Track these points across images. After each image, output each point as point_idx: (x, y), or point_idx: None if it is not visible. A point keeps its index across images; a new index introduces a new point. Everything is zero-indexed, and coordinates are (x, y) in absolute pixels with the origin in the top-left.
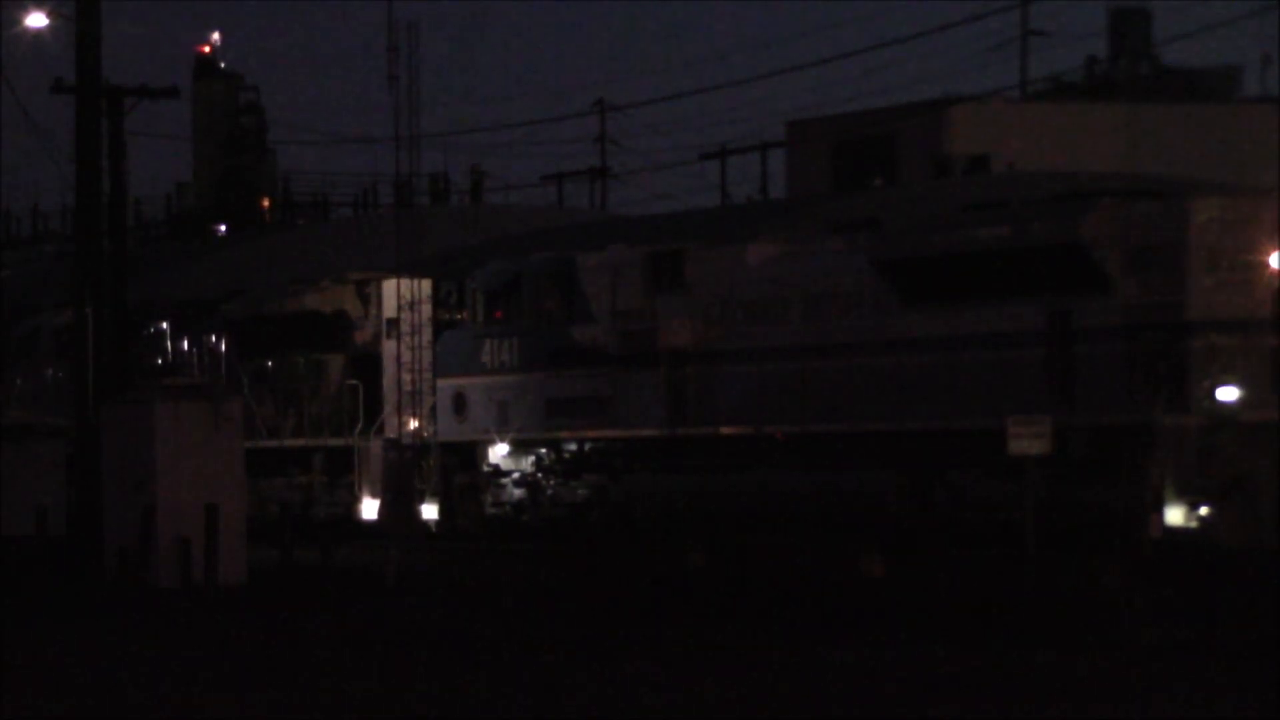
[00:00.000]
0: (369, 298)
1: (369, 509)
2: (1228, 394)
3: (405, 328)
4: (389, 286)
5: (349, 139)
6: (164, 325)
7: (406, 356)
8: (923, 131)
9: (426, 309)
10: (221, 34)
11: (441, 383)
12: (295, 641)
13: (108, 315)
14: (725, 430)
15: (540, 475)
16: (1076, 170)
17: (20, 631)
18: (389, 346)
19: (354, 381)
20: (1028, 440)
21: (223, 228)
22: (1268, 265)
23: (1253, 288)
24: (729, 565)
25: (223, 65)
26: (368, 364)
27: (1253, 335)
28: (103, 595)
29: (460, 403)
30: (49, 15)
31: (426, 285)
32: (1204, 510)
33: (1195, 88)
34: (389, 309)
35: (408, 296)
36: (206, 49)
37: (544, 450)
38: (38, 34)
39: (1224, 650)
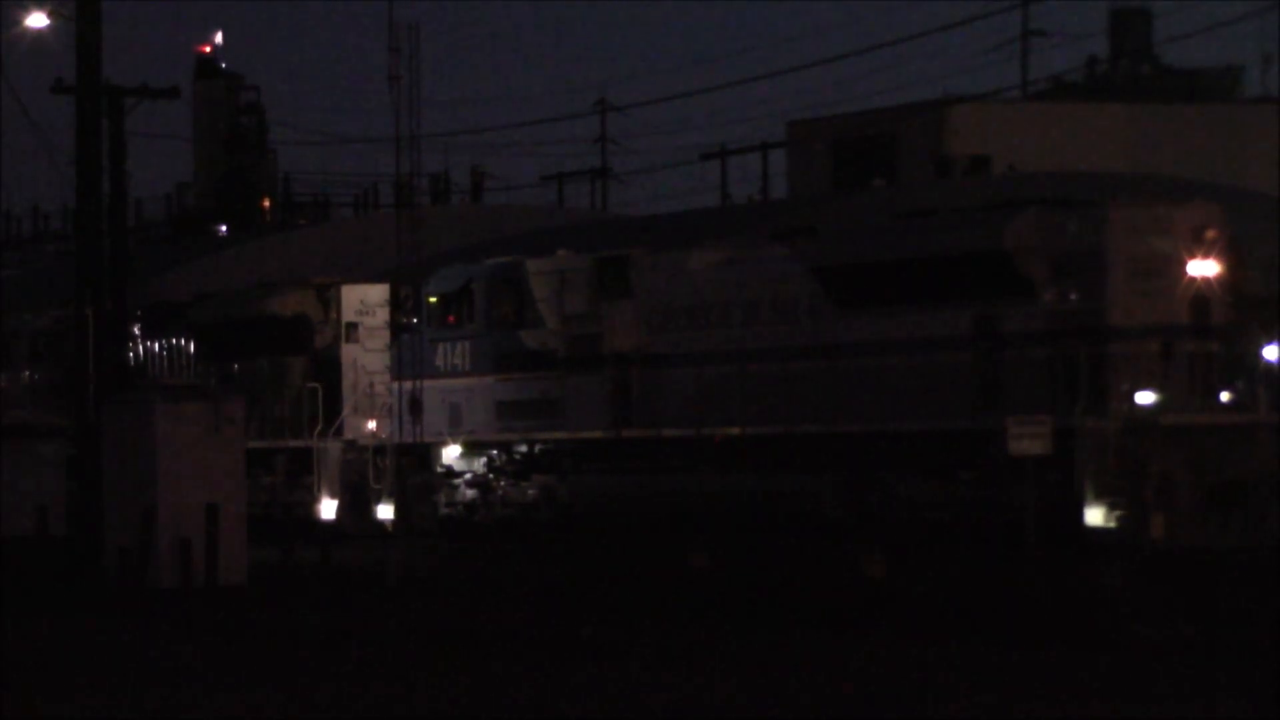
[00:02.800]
0: (329, 302)
1: (327, 509)
2: (1146, 398)
3: (363, 332)
4: (348, 291)
5: (349, 139)
6: (135, 328)
7: (364, 360)
8: (923, 131)
9: (384, 313)
10: (222, 34)
11: (396, 385)
12: (295, 641)
13: (107, 315)
14: (667, 432)
15: (491, 476)
16: (1076, 170)
17: (20, 632)
18: (348, 350)
19: (313, 384)
20: (1027, 440)
21: (223, 228)
22: (1185, 272)
23: (1171, 294)
24: (729, 565)
25: (223, 65)
26: (328, 367)
27: (1171, 341)
28: (103, 595)
29: (414, 405)
30: (49, 15)
31: (384, 290)
32: (1121, 511)
33: (1195, 88)
34: (348, 313)
35: (366, 301)
36: (207, 49)
37: (495, 451)
38: (38, 34)
39: (1224, 650)
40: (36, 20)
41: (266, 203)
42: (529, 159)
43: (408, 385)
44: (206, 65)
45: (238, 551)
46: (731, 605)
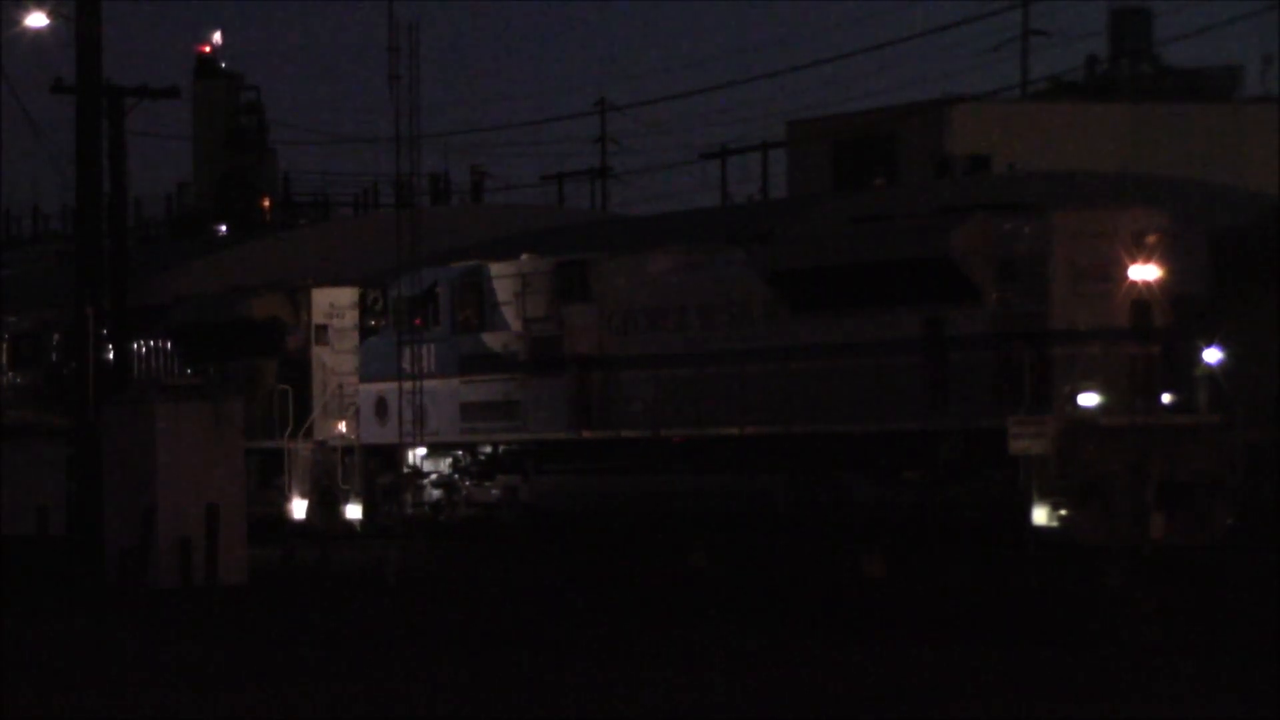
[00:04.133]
0: (300, 305)
1: (299, 509)
2: (1088, 400)
3: (333, 334)
4: (318, 294)
5: (349, 139)
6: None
7: (334, 361)
8: (923, 131)
9: (353, 316)
10: (222, 34)
11: (364, 387)
12: (295, 641)
13: (107, 315)
14: (626, 433)
15: (456, 476)
16: (1075, 170)
17: (20, 632)
18: (318, 352)
19: (284, 386)
20: (1027, 440)
21: (223, 228)
22: (1126, 276)
23: (1112, 298)
24: (728, 565)
25: (223, 65)
26: (299, 369)
27: (1112, 344)
28: (103, 595)
29: (382, 407)
30: (49, 15)
31: (353, 293)
32: (1064, 511)
33: (1195, 88)
34: (318, 316)
35: (336, 304)
36: (207, 49)
37: (460, 452)
38: (38, 34)
39: (1224, 650)
40: (36, 20)
41: (266, 203)
42: (529, 159)
43: (375, 387)
44: (206, 65)
45: (238, 551)
46: (730, 605)
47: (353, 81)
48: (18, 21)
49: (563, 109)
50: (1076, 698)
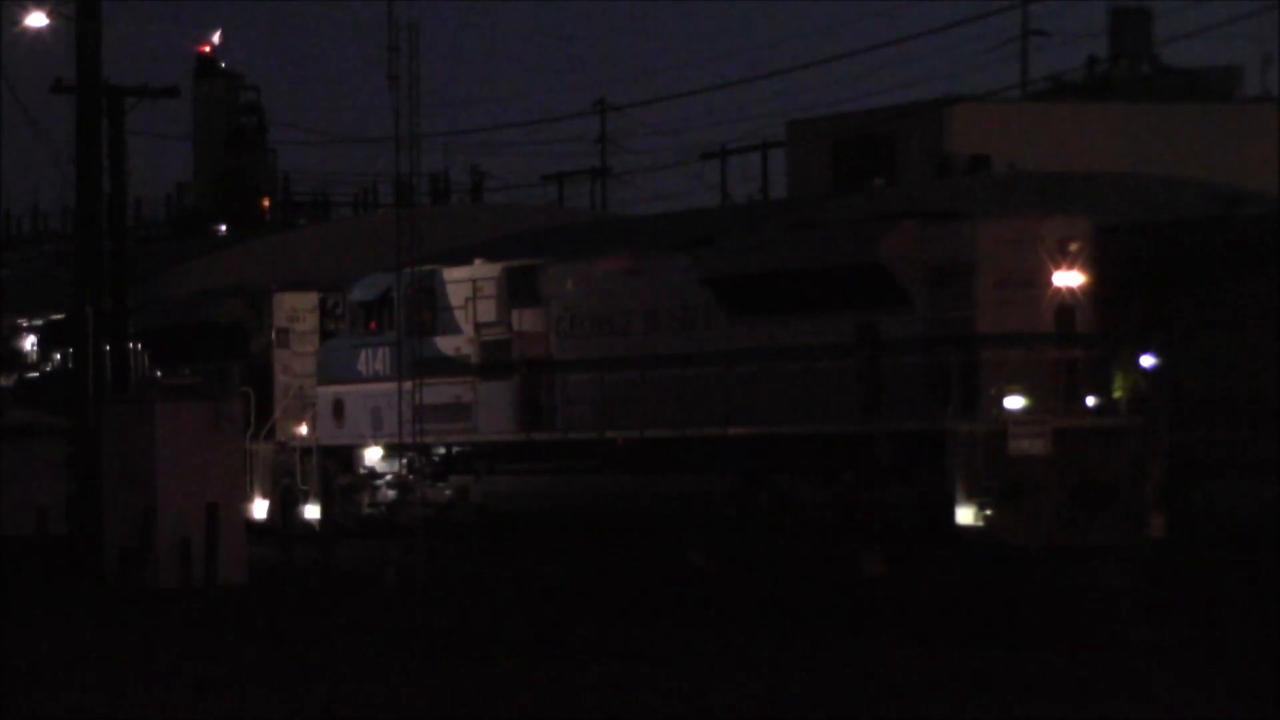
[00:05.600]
0: (263, 309)
1: (259, 509)
2: (1013, 402)
3: (294, 337)
4: (280, 298)
5: (349, 139)
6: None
7: (295, 364)
8: (923, 131)
9: (313, 320)
10: (221, 34)
11: (322, 389)
12: (295, 641)
13: (106, 314)
14: (573, 435)
15: (411, 477)
16: (1075, 170)
17: (20, 631)
18: (279, 355)
19: (246, 388)
20: (1027, 440)
21: (223, 228)
22: (1050, 282)
23: (1037, 303)
24: (729, 565)
25: (223, 65)
26: (261, 371)
27: (1036, 348)
28: (103, 595)
29: (339, 409)
30: (49, 15)
31: (314, 297)
32: (989, 511)
33: (1195, 88)
34: (280, 319)
35: (297, 308)
36: (206, 49)
37: (413, 453)
38: (38, 34)
39: (1224, 650)
40: (36, 20)
41: (266, 203)
42: (529, 159)
43: (332, 389)
44: (206, 65)
45: (238, 551)
46: (729, 605)
47: (353, 81)
48: (18, 21)
49: (563, 109)
50: (1077, 698)
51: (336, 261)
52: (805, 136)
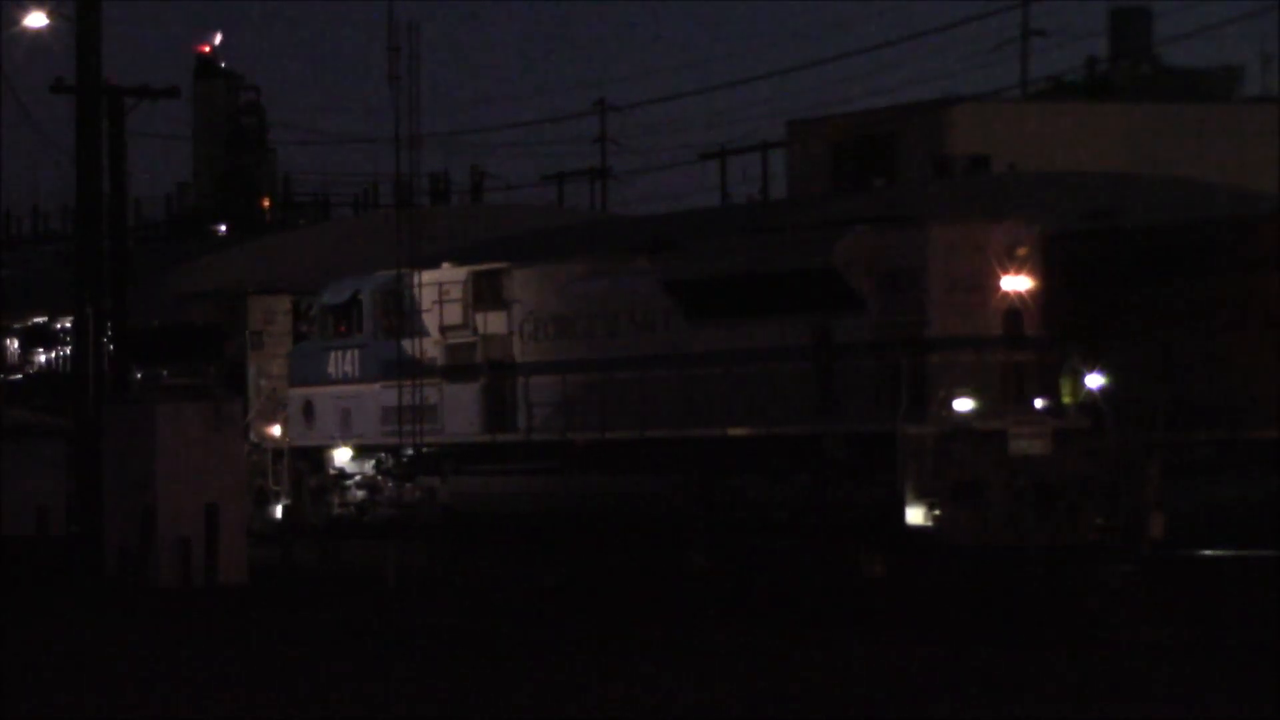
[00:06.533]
0: (238, 312)
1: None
2: (962, 405)
3: (268, 340)
4: (254, 302)
5: (349, 139)
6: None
7: (269, 367)
8: (923, 131)
9: (287, 323)
10: (222, 34)
11: (293, 391)
12: (295, 641)
13: (106, 314)
14: (536, 437)
15: (379, 477)
16: (1074, 170)
17: (20, 631)
18: (254, 357)
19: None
20: (1027, 441)
21: (223, 228)
22: (998, 287)
23: (985, 308)
24: (730, 565)
25: (223, 65)
26: (236, 374)
27: (985, 352)
28: (103, 595)
29: (309, 410)
30: (49, 15)
31: (287, 301)
32: (938, 511)
33: (1195, 88)
34: (254, 322)
35: (270, 311)
36: (207, 49)
37: (382, 454)
38: (38, 34)
39: (1224, 650)
40: (36, 20)
41: (266, 203)
42: (529, 159)
43: (303, 391)
44: (206, 65)
45: (238, 551)
46: (729, 605)
47: (353, 81)
48: (18, 21)
49: (563, 109)
50: (1077, 698)
51: (336, 262)
52: (805, 136)
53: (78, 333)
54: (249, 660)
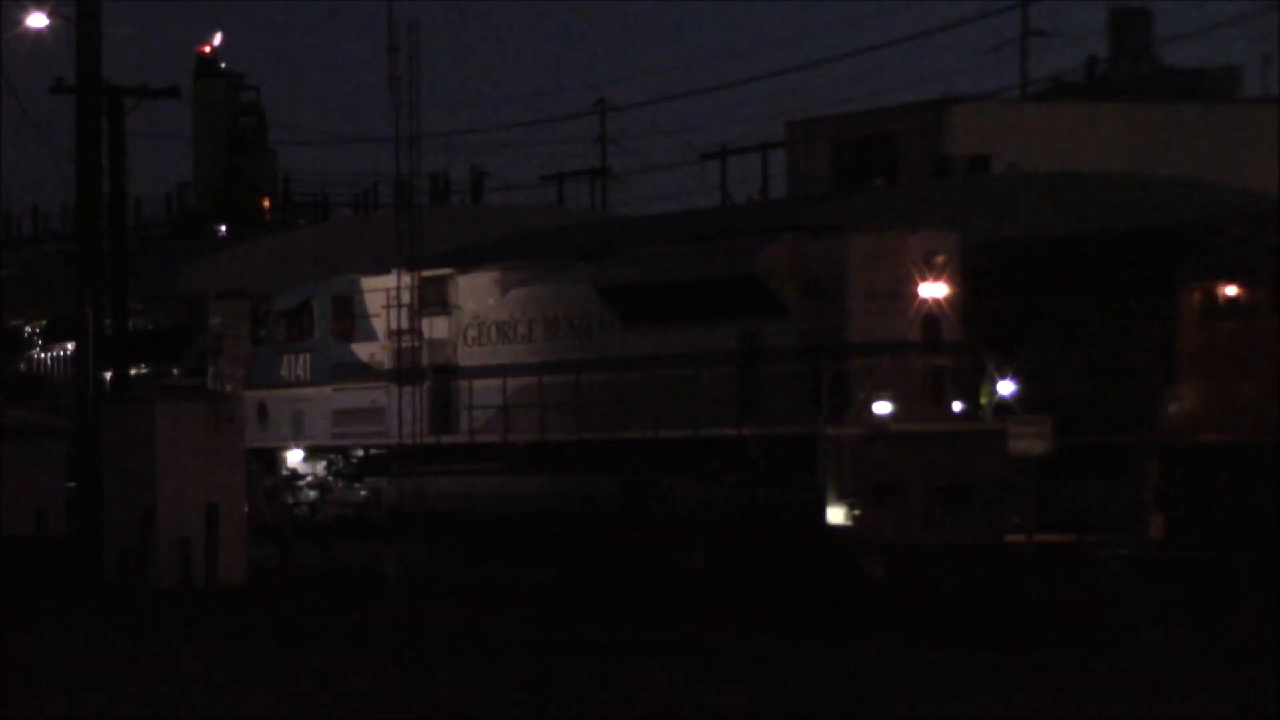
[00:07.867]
0: (199, 316)
1: None
2: (882, 408)
3: (228, 343)
4: (215, 306)
5: (349, 139)
6: (37, 339)
7: (229, 370)
8: (923, 131)
9: (246, 327)
10: (222, 34)
11: (248, 394)
12: (295, 641)
13: (106, 313)
14: (478, 438)
15: (330, 478)
16: (1075, 170)
17: (20, 631)
18: (214, 361)
19: None
20: (1028, 441)
21: (223, 228)
22: (916, 294)
23: (904, 314)
24: (729, 566)
25: (223, 65)
26: (198, 377)
27: (904, 356)
28: (103, 595)
29: (263, 412)
30: (49, 15)
31: (246, 305)
32: (858, 510)
33: (1195, 88)
34: (215, 327)
35: (230, 315)
36: (207, 49)
37: (333, 455)
38: (38, 34)
39: (1224, 650)
40: (36, 20)
41: (266, 203)
42: (529, 159)
43: (258, 394)
44: (206, 65)
45: (238, 551)
46: (728, 605)
47: (353, 81)
48: (18, 21)
49: (563, 109)
50: (1077, 698)
51: (336, 262)
52: (805, 136)
53: (78, 333)
54: (248, 660)
